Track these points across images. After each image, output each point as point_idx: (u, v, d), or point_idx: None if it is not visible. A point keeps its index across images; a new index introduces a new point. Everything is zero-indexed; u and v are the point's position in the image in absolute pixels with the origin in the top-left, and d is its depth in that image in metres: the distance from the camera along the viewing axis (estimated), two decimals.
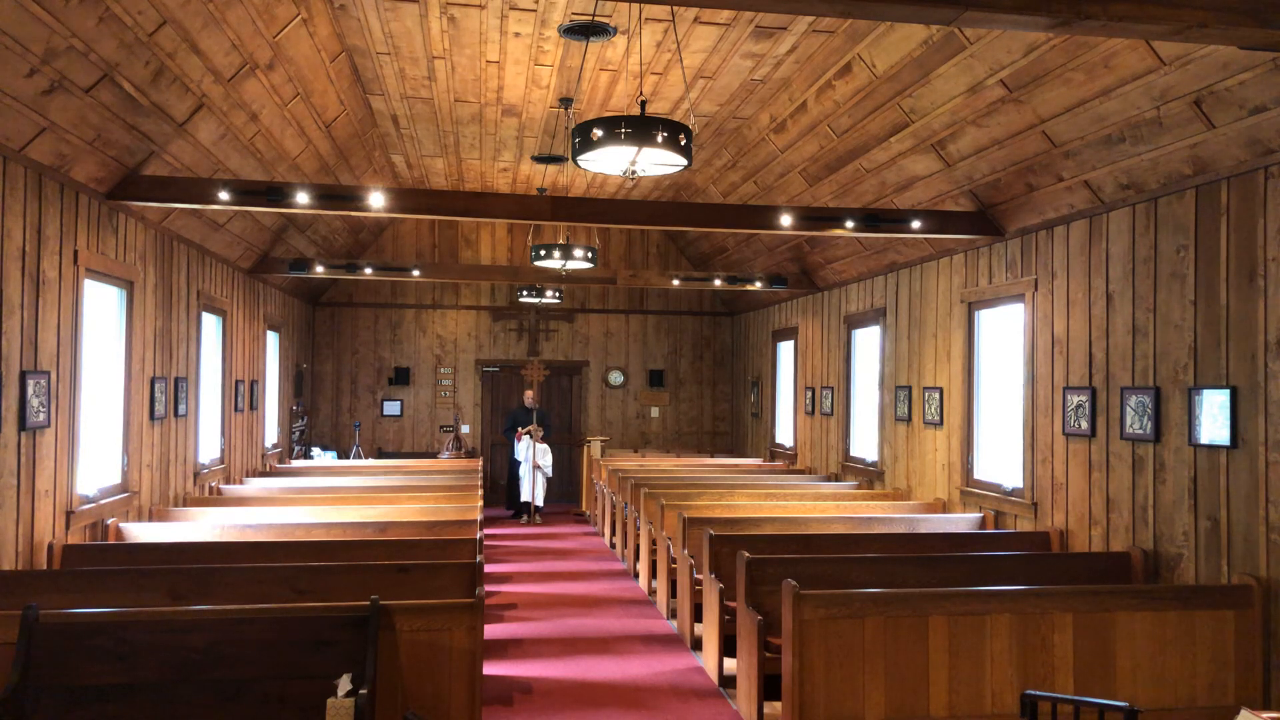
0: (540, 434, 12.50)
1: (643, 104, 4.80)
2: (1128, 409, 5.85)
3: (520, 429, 12.66)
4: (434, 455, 13.50)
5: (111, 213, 6.41)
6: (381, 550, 5.90)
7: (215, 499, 8.12)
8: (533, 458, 12.45)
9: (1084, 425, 6.26)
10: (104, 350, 6.49)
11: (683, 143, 4.63)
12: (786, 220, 7.13)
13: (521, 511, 12.78)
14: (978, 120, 6.15)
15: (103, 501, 6.26)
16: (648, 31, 6.42)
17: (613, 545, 10.81)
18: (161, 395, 7.28)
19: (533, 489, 12.54)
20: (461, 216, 7.24)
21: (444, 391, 14.22)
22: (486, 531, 10.78)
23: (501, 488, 14.08)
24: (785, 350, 12.50)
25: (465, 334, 14.36)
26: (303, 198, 6.49)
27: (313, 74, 6.87)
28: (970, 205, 7.17)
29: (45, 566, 5.47)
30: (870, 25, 5.92)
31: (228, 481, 9.13)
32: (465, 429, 14.17)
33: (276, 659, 4.21)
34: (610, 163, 4.85)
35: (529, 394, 12.88)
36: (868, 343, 9.92)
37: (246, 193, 6.50)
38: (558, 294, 12.50)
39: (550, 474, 12.84)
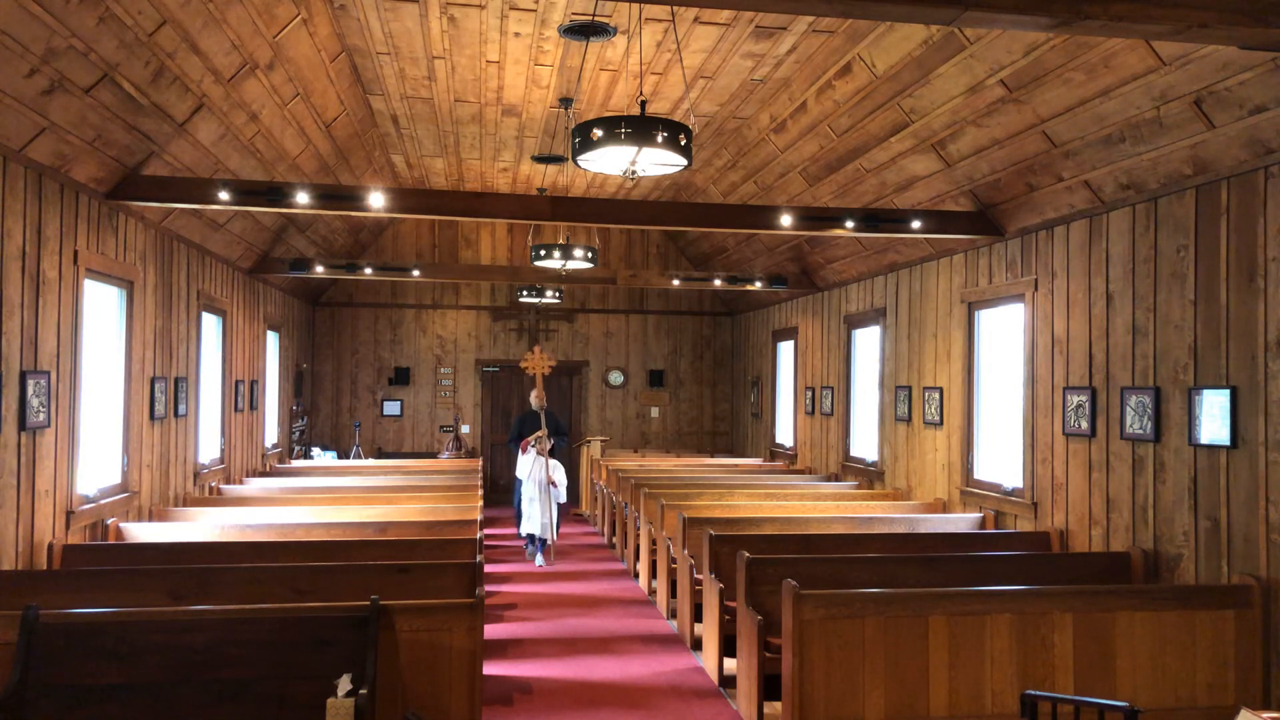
0: (547, 445, 9.91)
1: (643, 104, 4.80)
2: (1128, 409, 5.85)
3: (525, 439, 10.12)
4: (434, 455, 13.50)
5: (111, 213, 6.41)
6: (381, 550, 5.90)
7: (215, 499, 8.12)
8: (545, 474, 9.79)
9: (1084, 425, 6.26)
10: (104, 350, 6.49)
11: (683, 143, 4.63)
12: (786, 220, 7.13)
13: (531, 542, 10.01)
14: (978, 120, 6.15)
15: (103, 501, 6.26)
16: (648, 31, 6.42)
17: (613, 545, 10.81)
18: (161, 395, 7.28)
19: (545, 515, 9.74)
20: (461, 216, 7.24)
21: (444, 392, 14.21)
22: (486, 532, 10.77)
23: (501, 487, 14.08)
24: (785, 350, 12.49)
25: (465, 334, 14.36)
26: (303, 198, 6.50)
27: (313, 74, 6.87)
28: (970, 205, 7.17)
29: (45, 566, 5.47)
30: (870, 25, 5.92)
31: (228, 481, 9.13)
32: (465, 429, 14.17)
33: (276, 659, 4.22)
34: (610, 163, 4.85)
35: (535, 393, 10.22)
36: (868, 343, 9.92)
37: (246, 193, 6.50)
38: (558, 294, 12.49)
39: (564, 498, 10.14)
